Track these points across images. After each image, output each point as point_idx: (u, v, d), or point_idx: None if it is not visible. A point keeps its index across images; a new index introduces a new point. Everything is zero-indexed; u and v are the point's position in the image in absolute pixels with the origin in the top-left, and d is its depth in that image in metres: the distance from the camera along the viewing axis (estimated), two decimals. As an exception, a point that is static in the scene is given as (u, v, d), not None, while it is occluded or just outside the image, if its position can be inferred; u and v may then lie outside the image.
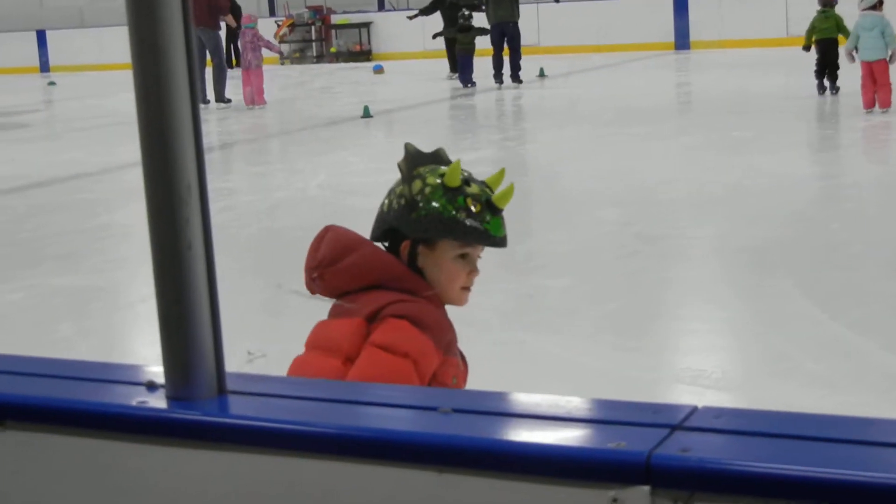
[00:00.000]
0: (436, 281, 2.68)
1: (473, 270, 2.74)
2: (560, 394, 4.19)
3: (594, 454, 1.19)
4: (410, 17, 23.36)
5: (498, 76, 19.69)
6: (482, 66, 19.91)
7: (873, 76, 13.18)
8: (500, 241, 2.72)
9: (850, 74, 13.87)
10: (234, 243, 7.57)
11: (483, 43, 20.00)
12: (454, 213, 2.63)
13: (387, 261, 2.66)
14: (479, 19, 20.28)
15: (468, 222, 2.64)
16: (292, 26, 29.80)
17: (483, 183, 2.73)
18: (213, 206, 1.44)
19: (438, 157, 2.76)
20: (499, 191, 2.73)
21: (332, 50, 29.94)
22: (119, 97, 21.45)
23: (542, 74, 20.65)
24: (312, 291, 2.73)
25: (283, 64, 28.66)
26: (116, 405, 1.45)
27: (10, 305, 6.86)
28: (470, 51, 19.89)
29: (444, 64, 22.62)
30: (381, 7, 32.15)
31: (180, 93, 1.39)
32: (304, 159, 12.61)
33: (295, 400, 1.42)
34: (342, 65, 28.78)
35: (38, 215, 9.97)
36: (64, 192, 11.15)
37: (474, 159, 11.84)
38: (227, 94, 18.78)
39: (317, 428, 1.32)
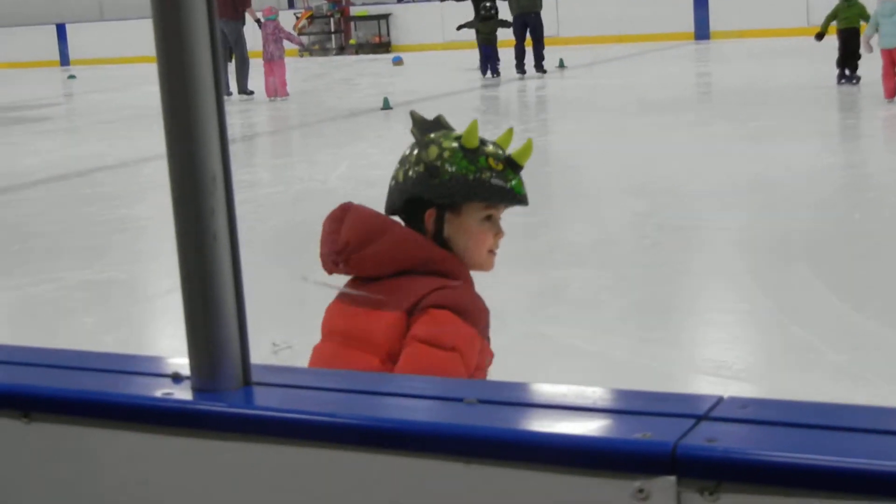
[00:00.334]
0: (463, 247, 2.61)
1: (499, 232, 2.69)
2: (583, 384, 4.18)
3: (620, 445, 1.19)
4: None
5: (520, 66, 19.75)
6: (505, 56, 19.92)
7: (894, 64, 13.11)
8: (524, 200, 2.68)
9: (870, 63, 13.81)
10: (256, 235, 7.57)
11: (505, 34, 20.04)
12: (478, 173, 2.57)
13: (420, 243, 2.55)
14: (504, 11, 20.29)
15: (494, 181, 2.59)
16: (311, 18, 29.80)
17: (495, 144, 2.69)
18: (235, 198, 1.44)
19: (440, 124, 2.70)
20: (514, 148, 2.69)
21: (352, 42, 29.93)
22: (139, 90, 21.51)
23: (561, 65, 20.63)
24: (330, 271, 2.62)
25: (301, 56, 28.68)
26: (142, 397, 1.45)
27: (33, 298, 6.88)
28: (492, 41, 19.92)
29: (464, 55, 22.60)
30: (399, -2, 32.16)
31: (205, 84, 1.39)
32: (325, 151, 12.61)
33: (320, 391, 1.42)
34: (361, 56, 28.79)
35: (59, 208, 10.00)
36: (85, 185, 11.18)
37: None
38: (250, 86, 18.82)
39: (342, 419, 1.32)
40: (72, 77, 27.88)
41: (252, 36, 19.04)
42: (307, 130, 15.49)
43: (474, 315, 2.50)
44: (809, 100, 14.08)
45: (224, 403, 1.39)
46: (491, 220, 2.65)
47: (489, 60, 20.00)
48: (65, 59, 33.36)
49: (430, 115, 2.76)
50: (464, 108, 16.08)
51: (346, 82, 22.01)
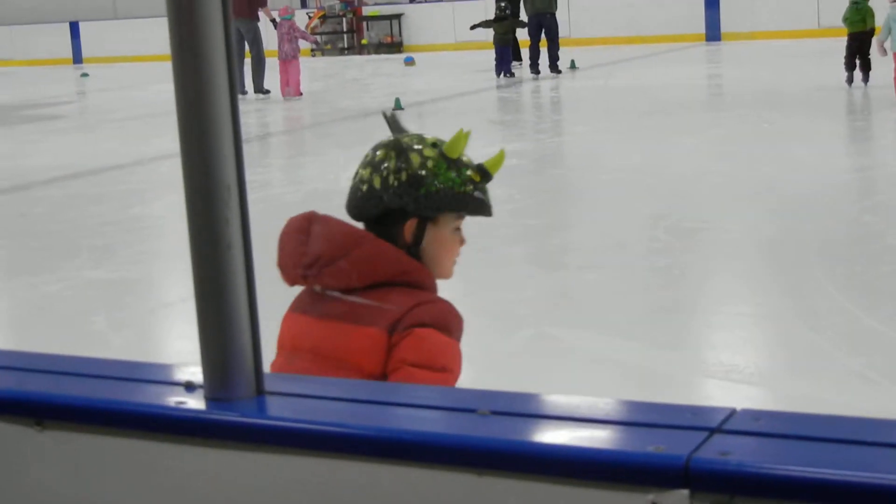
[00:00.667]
0: (434, 257, 2.53)
1: (464, 241, 2.62)
2: (592, 388, 4.19)
3: (633, 457, 1.19)
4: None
5: (534, 67, 19.82)
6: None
7: (906, 68, 13.12)
8: (492, 212, 2.61)
9: (881, 67, 13.80)
10: (267, 237, 7.55)
11: (523, 34, 20.18)
12: (463, 186, 2.51)
13: (395, 256, 2.45)
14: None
15: (476, 194, 2.53)
16: (323, 18, 29.82)
17: (464, 153, 2.60)
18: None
19: (397, 124, 2.60)
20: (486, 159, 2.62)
21: (364, 42, 29.94)
22: (152, 88, 21.55)
23: (573, 66, 20.62)
24: (293, 284, 2.49)
25: (314, 56, 28.69)
26: (155, 405, 1.45)
27: (46, 297, 6.89)
28: (507, 41, 20.02)
29: (476, 55, 22.60)
30: (412, -1, 32.18)
31: (220, 93, 1.39)
32: (336, 151, 12.62)
33: (333, 401, 1.42)
34: (373, 56, 28.80)
35: (73, 207, 10.01)
36: (98, 184, 11.20)
37: (507, 151, 11.83)
38: (266, 85, 18.89)
39: (355, 429, 1.32)
40: (85, 75, 27.92)
41: (268, 35, 19.08)
42: (319, 130, 15.50)
43: (456, 327, 2.45)
44: (821, 102, 14.06)
45: (237, 413, 1.39)
46: (458, 229, 2.59)
47: (504, 61, 20.06)
48: (78, 57, 33.41)
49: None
50: (475, 108, 16.07)
51: (358, 82, 22.02)
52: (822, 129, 12.07)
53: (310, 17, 29.29)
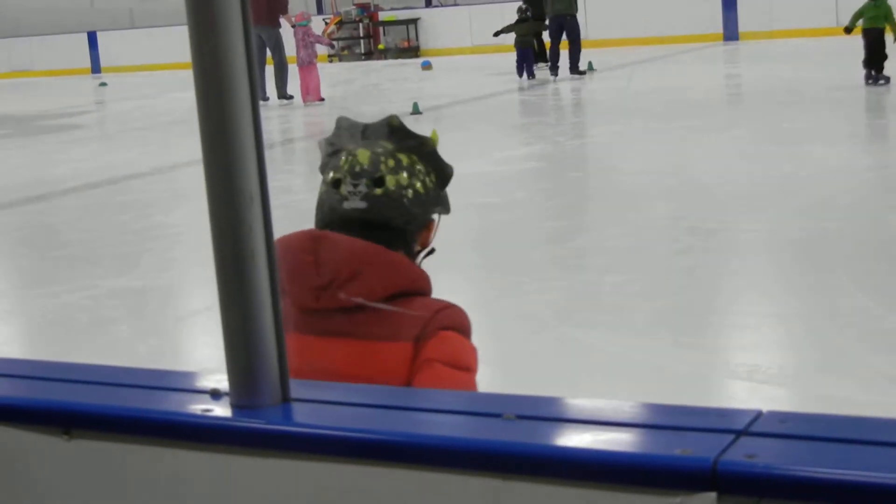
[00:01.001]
0: (416, 259, 2.50)
1: None
2: (615, 390, 4.19)
3: (660, 460, 1.19)
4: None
5: (554, 69, 19.99)
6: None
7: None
8: None
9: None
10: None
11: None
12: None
13: (407, 265, 2.39)
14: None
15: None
16: (340, 24, 29.88)
17: None
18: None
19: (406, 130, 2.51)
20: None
21: (380, 47, 29.99)
22: (170, 97, 21.62)
23: (590, 68, 20.63)
24: (306, 308, 2.35)
25: (331, 61, 28.74)
26: (182, 413, 1.46)
27: (67, 307, 6.91)
28: (527, 43, 20.20)
29: (493, 59, 22.62)
30: (428, 3, 32.20)
31: (241, 101, 1.40)
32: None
33: (359, 407, 1.42)
34: (390, 61, 28.83)
35: (93, 216, 10.05)
36: (118, 193, 11.24)
37: (526, 154, 11.84)
38: (289, 91, 18.98)
39: (381, 435, 1.33)
40: (103, 84, 28.01)
41: (290, 41, 19.16)
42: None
43: (469, 330, 2.42)
44: (840, 101, 14.02)
45: (263, 420, 1.40)
46: None
47: (526, 62, 20.18)
48: (96, 67, 33.54)
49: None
50: (494, 112, 16.08)
51: (375, 87, 22.05)
52: (843, 128, 12.04)
53: (326, 23, 29.35)
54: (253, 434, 1.39)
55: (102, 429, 1.49)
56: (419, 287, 2.39)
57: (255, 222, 1.39)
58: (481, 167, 10.49)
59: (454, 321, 2.37)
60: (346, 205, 2.40)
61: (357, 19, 30.12)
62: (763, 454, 1.17)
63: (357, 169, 2.41)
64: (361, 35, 30.24)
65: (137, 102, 22.20)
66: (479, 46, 27.44)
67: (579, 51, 20.01)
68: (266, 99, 18.86)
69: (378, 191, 2.39)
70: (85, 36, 33.88)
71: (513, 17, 21.37)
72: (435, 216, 2.48)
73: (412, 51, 29.36)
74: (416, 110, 15.66)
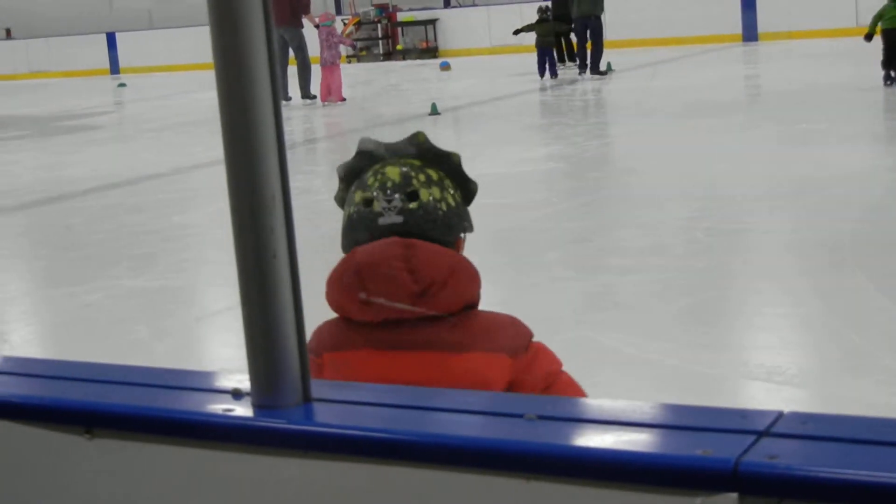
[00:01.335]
0: None
1: None
2: (633, 391, 4.18)
3: (681, 461, 1.19)
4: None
5: (582, 66, 20.41)
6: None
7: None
8: None
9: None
10: (308, 246, 7.57)
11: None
12: None
13: (479, 277, 2.34)
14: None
15: None
16: (359, 24, 29.91)
17: None
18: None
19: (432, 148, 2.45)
20: None
21: (399, 47, 30.00)
22: (188, 97, 21.67)
23: (609, 69, 20.63)
24: (383, 318, 2.25)
25: (349, 62, 28.77)
26: (203, 413, 1.46)
27: (87, 307, 6.94)
28: (548, 43, 20.34)
29: (512, 59, 22.63)
30: (446, 4, 32.20)
31: (263, 102, 1.40)
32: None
33: (380, 407, 1.42)
34: (408, 62, 28.85)
35: (112, 216, 10.08)
36: (137, 193, 11.27)
37: (545, 154, 11.84)
38: (312, 91, 19.04)
39: (403, 435, 1.33)
40: (122, 85, 28.09)
41: (312, 42, 19.22)
42: (356, 137, 15.50)
43: None
44: (858, 101, 13.98)
45: (285, 420, 1.40)
46: None
47: (546, 63, 20.28)
48: (115, 68, 33.64)
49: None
50: (512, 112, 16.08)
51: (394, 88, 22.08)
52: (862, 129, 12.01)
53: (345, 24, 29.38)
54: (274, 434, 1.40)
55: (124, 428, 1.49)
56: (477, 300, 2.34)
57: (277, 222, 1.40)
58: (500, 168, 10.50)
59: (528, 330, 2.34)
60: (382, 221, 2.31)
61: (375, 20, 30.16)
62: (785, 455, 1.17)
63: (389, 185, 2.33)
64: (380, 36, 30.27)
65: (156, 103, 22.26)
66: (497, 47, 27.43)
67: (601, 51, 20.27)
68: (288, 99, 18.94)
69: (413, 205, 2.31)
70: (104, 37, 33.98)
71: (531, 17, 21.44)
72: (462, 234, 2.43)
73: (430, 51, 29.37)
74: (434, 111, 15.67)
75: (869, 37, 14.90)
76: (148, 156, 14.18)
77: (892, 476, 1.11)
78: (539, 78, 20.22)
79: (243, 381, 1.48)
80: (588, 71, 20.20)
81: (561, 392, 2.25)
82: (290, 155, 1.44)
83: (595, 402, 1.38)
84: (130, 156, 14.48)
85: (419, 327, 2.24)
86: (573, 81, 19.69)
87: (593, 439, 1.27)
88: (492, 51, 27.76)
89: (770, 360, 5.17)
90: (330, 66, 18.63)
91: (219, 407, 1.46)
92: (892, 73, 14.62)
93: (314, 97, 18.96)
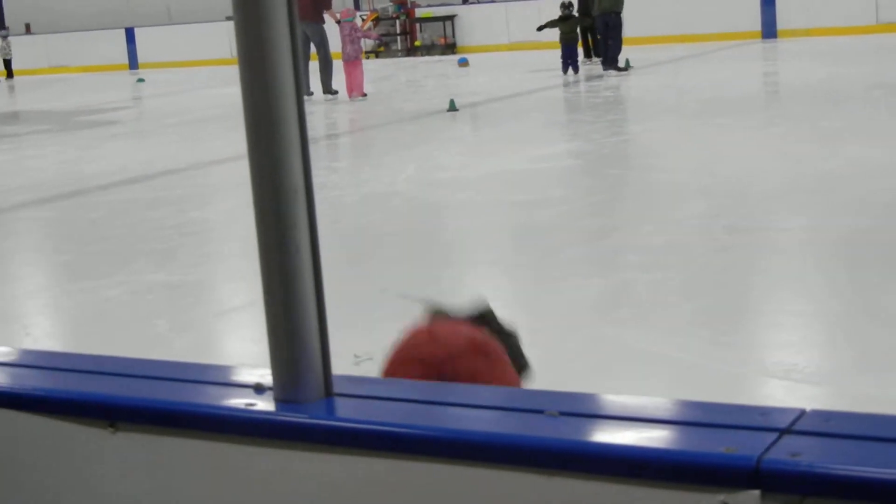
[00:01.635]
0: None
1: None
2: (651, 388, 4.17)
3: (704, 458, 1.19)
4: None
5: (605, 62, 20.56)
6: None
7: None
8: None
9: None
10: (327, 240, 7.56)
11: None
12: None
13: None
14: None
15: None
16: (377, 20, 29.92)
17: None
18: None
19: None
20: None
21: (417, 43, 30.01)
22: (206, 92, 21.71)
23: (627, 66, 20.61)
24: None
25: (367, 58, 28.80)
26: (225, 407, 1.47)
27: (107, 301, 6.95)
28: (572, 39, 20.43)
29: (530, 56, 22.63)
30: (465, 0, 32.18)
31: (286, 97, 1.41)
32: (392, 153, 12.65)
33: (402, 402, 1.43)
34: (427, 58, 28.85)
35: (131, 211, 10.10)
36: (155, 188, 11.29)
37: (563, 151, 11.83)
38: (334, 86, 19.08)
39: (424, 430, 1.33)
40: (141, 80, 28.16)
41: (334, 37, 19.26)
42: (375, 133, 15.55)
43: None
44: (878, 99, 13.94)
45: (307, 414, 1.40)
46: None
47: (569, 59, 20.34)
48: (134, 63, 33.73)
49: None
50: (530, 109, 16.06)
51: (412, 84, 22.08)
52: (882, 126, 11.96)
53: (363, 20, 29.40)
54: (296, 428, 1.40)
55: (147, 422, 1.50)
56: None
57: (300, 216, 1.40)
58: (518, 164, 10.49)
59: None
60: None
61: (394, 16, 30.19)
62: (807, 453, 1.17)
63: None
64: (398, 32, 30.29)
65: (174, 98, 22.31)
66: (515, 43, 27.42)
67: (619, 47, 20.37)
68: (310, 94, 18.98)
69: None
70: (123, 32, 34.07)
71: (550, 13, 21.46)
72: None
73: (449, 47, 29.37)
74: (452, 107, 15.67)
75: None
76: (166, 151, 14.21)
77: (916, 474, 1.11)
78: (563, 74, 20.29)
79: (265, 376, 1.49)
80: (609, 67, 20.28)
81: None
82: (312, 149, 1.45)
83: (617, 399, 1.38)
84: (150, 151, 14.51)
85: None
86: (594, 77, 19.69)
87: (616, 436, 1.28)
88: (510, 47, 27.74)
89: (788, 358, 5.16)
90: (353, 62, 18.69)
91: (241, 401, 1.46)
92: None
93: (336, 92, 19.00)
